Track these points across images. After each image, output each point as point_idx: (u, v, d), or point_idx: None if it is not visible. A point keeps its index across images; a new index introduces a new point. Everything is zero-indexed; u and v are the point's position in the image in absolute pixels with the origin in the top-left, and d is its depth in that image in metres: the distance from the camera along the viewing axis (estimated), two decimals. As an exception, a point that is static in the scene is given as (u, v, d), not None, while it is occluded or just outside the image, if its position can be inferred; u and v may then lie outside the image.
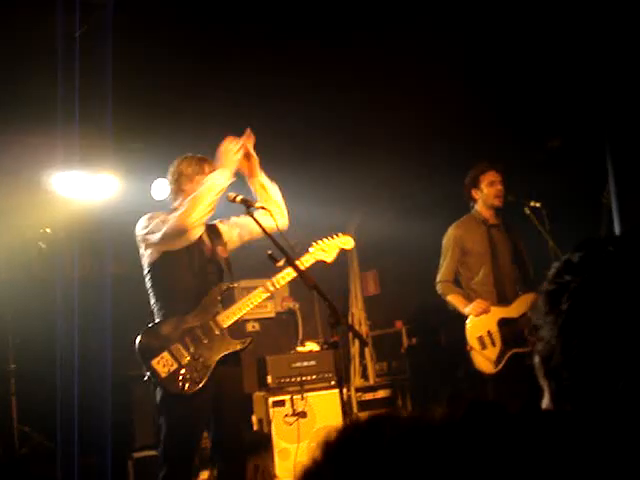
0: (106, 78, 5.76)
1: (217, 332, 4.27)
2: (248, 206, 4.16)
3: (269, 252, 3.98)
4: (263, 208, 4.21)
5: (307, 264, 4.39)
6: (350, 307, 8.87)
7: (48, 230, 6.62)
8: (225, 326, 4.31)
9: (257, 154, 4.50)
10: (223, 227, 4.58)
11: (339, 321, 3.71)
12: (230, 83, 6.02)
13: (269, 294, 4.44)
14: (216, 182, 4.21)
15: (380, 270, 9.16)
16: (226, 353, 4.27)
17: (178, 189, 4.46)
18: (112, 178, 7.16)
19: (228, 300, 4.48)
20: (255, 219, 4.12)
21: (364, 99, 6.14)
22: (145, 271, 4.38)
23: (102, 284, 6.89)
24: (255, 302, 4.38)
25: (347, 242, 4.66)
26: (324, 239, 4.59)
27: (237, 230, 4.58)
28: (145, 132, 6.91)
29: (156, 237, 4.24)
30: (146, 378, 4.23)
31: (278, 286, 4.42)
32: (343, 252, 4.75)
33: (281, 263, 4.03)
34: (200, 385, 4.16)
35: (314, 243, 4.55)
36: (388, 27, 5.27)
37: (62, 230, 6.89)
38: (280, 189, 4.63)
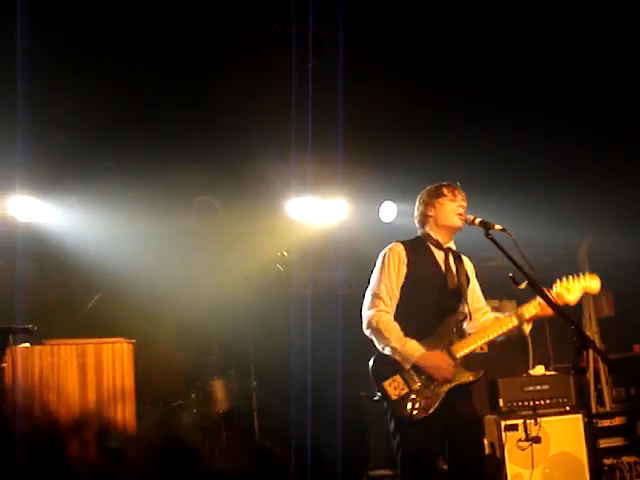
0: (337, 107, 5.97)
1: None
2: (487, 228, 4.12)
3: (510, 274, 3.90)
4: (503, 230, 4.15)
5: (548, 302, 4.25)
6: (584, 329, 8.53)
7: (285, 253, 6.95)
8: (458, 356, 4.27)
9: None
10: (467, 261, 4.57)
11: (586, 345, 3.57)
12: (456, 111, 6.06)
13: (510, 328, 4.35)
14: (398, 352, 4.23)
15: (614, 291, 8.74)
16: (457, 384, 4.24)
17: (423, 216, 4.51)
18: (342, 202, 7.40)
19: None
20: (495, 242, 4.06)
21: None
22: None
23: (334, 304, 7.11)
24: (492, 335, 4.32)
25: (593, 285, 4.37)
26: (569, 278, 4.39)
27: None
28: (372, 157, 7.09)
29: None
30: (376, 398, 4.28)
31: (523, 319, 4.32)
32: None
33: (523, 286, 3.93)
34: (428, 413, 4.15)
35: (558, 281, 4.39)
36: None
37: (297, 253, 7.20)
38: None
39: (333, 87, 5.90)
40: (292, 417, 6.67)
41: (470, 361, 4.30)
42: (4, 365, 4.35)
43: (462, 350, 4.26)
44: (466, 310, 4.39)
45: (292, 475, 6.48)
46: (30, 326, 4.47)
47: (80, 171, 6.51)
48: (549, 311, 4.16)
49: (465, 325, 4.43)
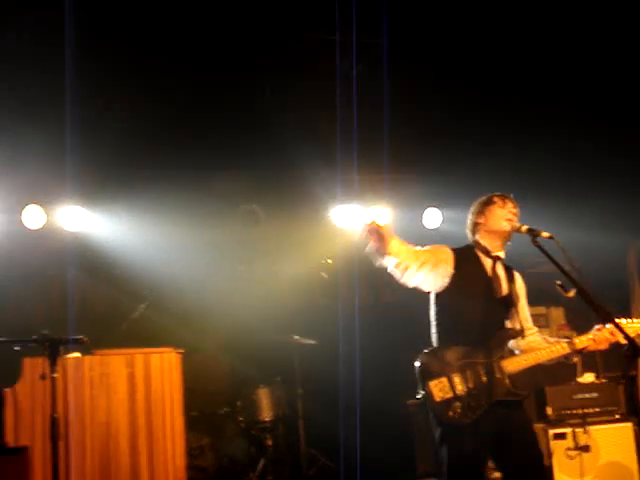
0: (382, 114, 5.97)
1: (498, 375, 4.22)
2: (534, 236, 4.10)
3: (559, 282, 3.87)
4: (551, 237, 4.12)
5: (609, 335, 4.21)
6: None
7: (329, 261, 6.95)
8: (508, 372, 4.25)
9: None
10: (518, 277, 4.53)
11: (637, 353, 3.52)
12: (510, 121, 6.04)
13: (560, 355, 4.32)
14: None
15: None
16: (501, 399, 4.21)
17: (474, 224, 4.51)
18: (385, 209, 7.38)
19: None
20: (542, 249, 4.03)
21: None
22: (431, 299, 4.44)
23: (379, 311, 7.10)
24: (543, 359, 4.29)
25: None
26: (634, 319, 4.35)
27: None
28: (416, 164, 7.07)
29: None
30: (419, 396, 4.27)
31: (575, 348, 4.28)
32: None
33: (571, 294, 3.90)
34: (470, 420, 4.11)
35: (623, 320, 4.33)
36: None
37: (341, 260, 7.20)
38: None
39: (378, 94, 5.90)
40: (338, 425, 6.66)
41: (517, 377, 4.25)
42: (55, 375, 4.39)
43: (512, 367, 4.24)
44: (518, 326, 4.36)
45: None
46: (81, 337, 4.51)
47: (127, 181, 6.58)
48: (601, 346, 4.19)
49: (511, 342, 4.40)
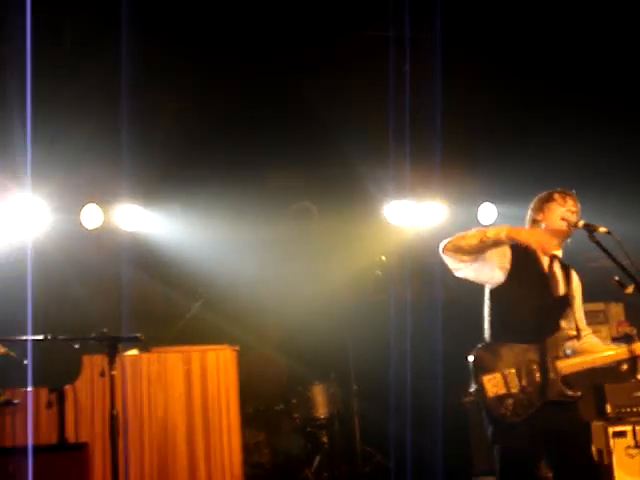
0: (435, 110, 5.93)
1: (552, 375, 4.16)
2: (591, 231, 4.04)
3: (616, 278, 3.81)
4: (609, 233, 4.05)
5: None
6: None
7: (383, 258, 6.93)
8: (562, 374, 4.19)
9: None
10: (575, 277, 4.47)
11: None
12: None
13: (618, 359, 4.24)
14: (488, 231, 4.14)
15: None
16: (553, 400, 4.16)
17: (532, 221, 4.46)
18: (439, 205, 7.33)
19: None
20: (600, 245, 3.97)
21: None
22: (486, 294, 4.41)
23: (432, 308, 7.06)
24: (600, 363, 4.22)
25: None
26: None
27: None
28: (470, 159, 7.01)
29: None
30: (472, 390, 4.24)
31: (635, 354, 4.19)
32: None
33: (630, 290, 3.83)
34: (522, 418, 4.06)
35: None
36: None
37: (395, 257, 7.18)
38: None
39: (430, 89, 5.87)
40: (392, 422, 6.65)
41: (570, 379, 4.18)
42: (114, 372, 4.46)
43: (567, 369, 4.17)
44: (573, 326, 4.30)
45: (392, 480, 6.47)
46: (139, 335, 4.57)
47: (182, 180, 6.66)
48: None
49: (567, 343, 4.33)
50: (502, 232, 4.06)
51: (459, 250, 4.16)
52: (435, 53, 5.68)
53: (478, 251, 4.14)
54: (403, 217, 7.22)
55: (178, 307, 6.50)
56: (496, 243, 4.10)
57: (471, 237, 4.12)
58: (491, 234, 4.07)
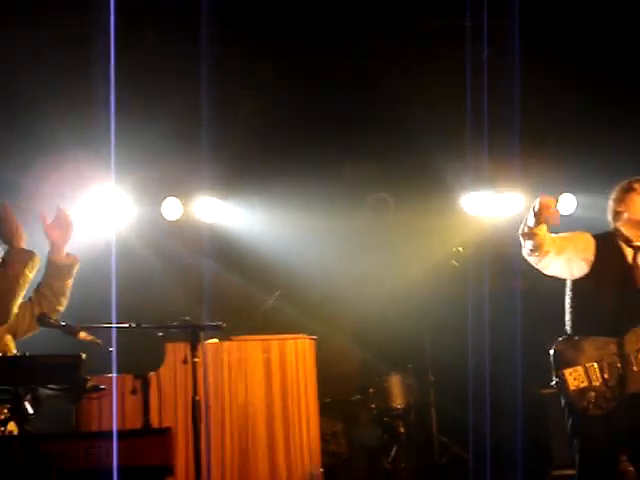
0: (514, 99, 5.87)
1: (635, 368, 4.11)
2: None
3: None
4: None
5: None
6: None
7: (460, 249, 6.90)
8: None
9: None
10: None
11: None
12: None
13: None
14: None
15: None
16: (636, 393, 4.09)
17: (614, 212, 4.39)
18: (518, 196, 7.25)
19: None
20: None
21: None
22: (567, 285, 4.36)
23: (510, 299, 6.99)
24: None
25: None
26: None
27: None
28: (549, 149, 6.92)
29: None
30: (553, 383, 4.22)
31: None
32: None
33: None
34: (604, 412, 4.04)
35: None
36: None
37: (472, 247, 7.13)
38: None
39: (508, 78, 5.81)
40: (470, 413, 6.61)
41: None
42: (196, 360, 4.55)
43: None
44: None
45: (471, 473, 6.43)
46: (220, 323, 4.66)
47: (260, 172, 6.75)
48: None
49: None
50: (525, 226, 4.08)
51: (529, 254, 4.17)
52: (514, 42, 5.63)
53: (536, 246, 4.11)
54: (481, 208, 7.17)
55: (256, 298, 6.59)
56: (531, 234, 4.08)
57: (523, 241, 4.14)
58: (521, 230, 4.11)
